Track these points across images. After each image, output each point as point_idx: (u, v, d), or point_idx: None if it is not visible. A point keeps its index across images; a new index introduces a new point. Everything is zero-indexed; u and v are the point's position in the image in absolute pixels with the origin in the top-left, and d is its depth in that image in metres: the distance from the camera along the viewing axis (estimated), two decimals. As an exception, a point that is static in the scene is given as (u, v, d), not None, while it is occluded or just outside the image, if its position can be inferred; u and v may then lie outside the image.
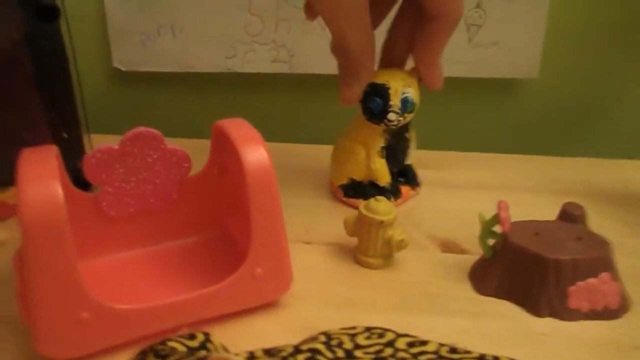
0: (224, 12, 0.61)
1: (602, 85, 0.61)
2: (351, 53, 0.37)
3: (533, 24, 0.58)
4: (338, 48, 0.38)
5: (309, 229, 0.42)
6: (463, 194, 0.48)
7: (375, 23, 0.40)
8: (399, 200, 0.45)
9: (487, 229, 0.35)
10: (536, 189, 0.50)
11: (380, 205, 0.36)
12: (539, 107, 0.62)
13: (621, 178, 0.52)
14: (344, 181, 0.46)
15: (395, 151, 0.44)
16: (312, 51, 0.61)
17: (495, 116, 0.63)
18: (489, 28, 0.58)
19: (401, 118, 0.41)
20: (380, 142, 0.43)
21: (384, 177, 0.44)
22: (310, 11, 0.41)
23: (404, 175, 0.47)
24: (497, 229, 0.35)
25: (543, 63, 0.59)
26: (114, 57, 0.63)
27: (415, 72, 0.41)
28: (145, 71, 0.64)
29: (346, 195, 0.46)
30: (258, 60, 0.62)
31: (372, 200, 0.36)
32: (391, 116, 0.41)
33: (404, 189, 0.46)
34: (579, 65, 0.60)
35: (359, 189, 0.45)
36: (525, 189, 0.50)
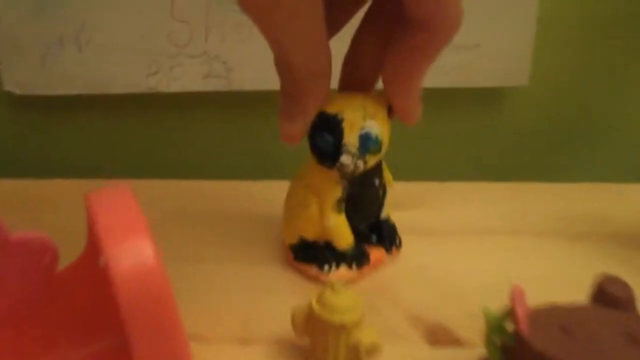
0: (142, 17, 0.49)
1: (606, 91, 0.51)
2: (295, 74, 0.26)
3: (521, 21, 0.47)
4: (278, 65, 0.27)
5: (248, 318, 0.31)
6: (451, 243, 0.38)
7: (332, 30, 0.29)
8: (366, 269, 0.34)
9: (494, 327, 0.24)
10: (542, 229, 0.39)
11: (340, 300, 0.25)
12: (531, 120, 0.52)
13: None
14: (294, 240, 0.35)
15: (361, 202, 0.33)
16: (254, 63, 0.49)
17: (479, 133, 0.53)
18: (469, 27, 0.47)
19: (359, 162, 0.29)
20: (336, 192, 0.32)
21: (342, 239, 0.33)
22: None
23: (377, 233, 0.35)
24: (508, 323, 0.24)
25: (534, 68, 0.48)
26: (4, 78, 0.51)
27: (383, 99, 0.30)
28: (45, 95, 0.51)
29: (296, 259, 0.35)
30: (187, 77, 0.50)
31: (327, 290, 0.25)
32: (344, 159, 0.29)
33: (375, 253, 0.34)
34: (578, 68, 0.50)
35: (311, 252, 0.34)
36: (528, 231, 0.39)
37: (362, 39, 0.29)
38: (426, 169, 0.53)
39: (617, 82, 0.50)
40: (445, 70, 0.49)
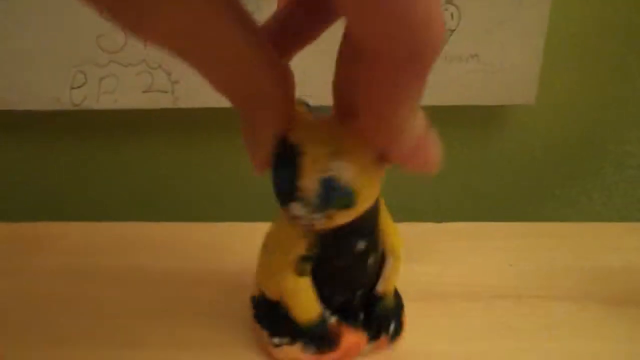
0: (64, 16, 0.39)
1: (621, 112, 0.43)
2: (230, 98, 0.19)
3: (528, 30, 0.39)
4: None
5: None
6: (454, 313, 0.29)
7: (291, 48, 0.21)
8: (330, 356, 0.25)
9: None
10: (569, 292, 0.31)
11: None
12: (536, 145, 0.44)
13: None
14: (256, 292, 0.28)
15: (337, 269, 0.24)
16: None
17: (478, 157, 0.45)
18: (466, 34, 0.39)
19: (318, 216, 0.20)
20: (299, 249, 0.24)
21: (302, 310, 0.25)
22: None
23: (366, 312, 0.26)
24: None
25: (541, 84, 0.41)
26: None
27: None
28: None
29: (255, 314, 0.28)
30: (122, 90, 0.40)
31: None
32: (294, 208, 0.20)
33: (351, 338, 0.26)
34: (591, 87, 0.43)
35: (269, 314, 0.27)
36: (551, 294, 0.31)
37: (346, 53, 0.20)
38: (411, 203, 0.45)
39: (632, 103, 0.43)
40: (438, 85, 0.40)
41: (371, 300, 0.26)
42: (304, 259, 0.24)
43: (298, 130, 0.20)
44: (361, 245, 0.24)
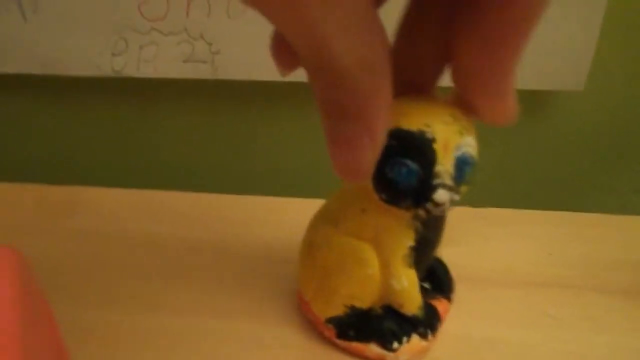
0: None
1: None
2: (346, 74, 0.16)
3: (584, 18, 0.38)
4: (313, 65, 0.17)
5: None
6: (507, 299, 0.29)
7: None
8: (437, 333, 0.25)
9: None
10: (619, 285, 0.30)
11: None
12: (583, 133, 0.43)
13: None
14: (338, 311, 0.25)
15: (431, 247, 0.24)
16: (246, 45, 0.39)
17: (521, 146, 0.44)
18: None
19: (457, 196, 0.20)
20: (408, 240, 0.23)
21: (414, 300, 0.24)
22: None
23: (430, 278, 0.27)
24: None
25: (592, 71, 0.39)
26: None
27: (464, 104, 0.20)
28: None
29: (342, 336, 0.25)
30: (162, 59, 0.40)
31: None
32: (440, 195, 0.20)
33: (440, 306, 0.26)
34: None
35: (367, 325, 0.25)
36: (599, 286, 0.30)
37: (413, 27, 0.20)
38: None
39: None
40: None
41: (431, 267, 0.26)
42: (413, 248, 0.23)
43: (408, 116, 0.19)
44: (443, 219, 0.24)
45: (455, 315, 0.27)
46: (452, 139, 0.19)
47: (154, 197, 0.38)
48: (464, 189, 0.20)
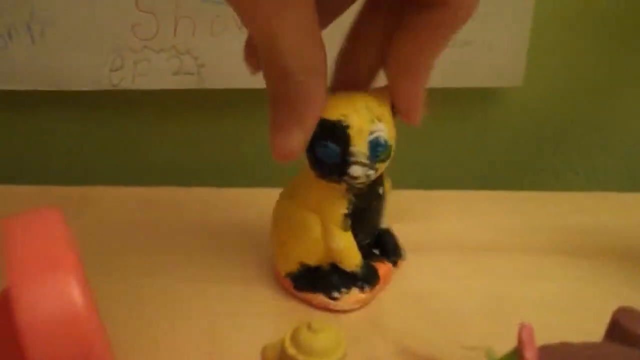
0: (104, 6, 0.44)
1: (605, 93, 0.48)
2: (288, 73, 0.21)
3: (515, 17, 0.44)
4: (267, 64, 0.21)
5: (216, 347, 0.27)
6: (445, 262, 0.34)
7: (324, 21, 0.24)
8: (377, 288, 0.30)
9: (499, 373, 0.21)
10: (543, 245, 0.36)
11: (317, 339, 0.21)
12: (525, 124, 0.49)
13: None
14: (293, 267, 0.30)
15: (364, 215, 0.29)
16: (228, 58, 0.45)
17: (470, 135, 0.50)
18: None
19: (371, 172, 0.26)
20: (342, 208, 0.28)
21: (351, 259, 0.29)
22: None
23: (380, 245, 0.32)
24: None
25: (528, 68, 0.45)
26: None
27: (386, 97, 0.26)
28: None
29: (297, 287, 0.31)
30: (154, 73, 0.46)
31: (303, 329, 0.21)
32: (355, 170, 0.25)
33: (382, 268, 0.31)
34: (576, 69, 0.47)
35: (315, 279, 0.30)
36: (528, 247, 0.36)
37: (360, 30, 0.26)
38: (412, 174, 0.49)
39: (616, 83, 0.47)
40: (434, 68, 0.45)
41: (379, 236, 0.32)
42: (346, 215, 0.28)
43: (332, 108, 0.25)
44: (380, 190, 0.29)
45: (402, 276, 0.32)
46: (365, 126, 0.25)
47: (147, 192, 0.43)
48: (380, 165, 0.26)
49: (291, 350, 0.21)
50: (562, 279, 0.33)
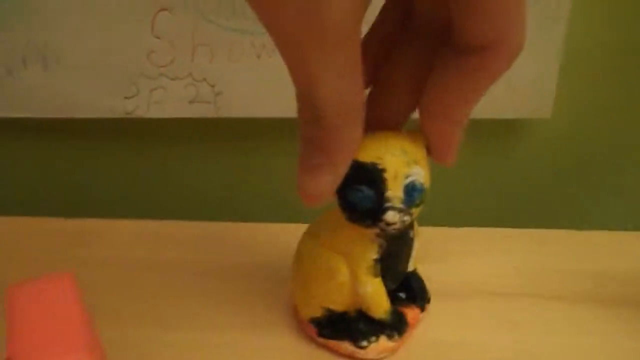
0: (119, 33, 0.43)
1: (637, 128, 0.46)
2: (323, 113, 0.19)
3: (544, 45, 0.42)
4: (302, 102, 0.20)
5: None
6: (468, 309, 0.33)
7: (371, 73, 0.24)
8: (405, 335, 0.29)
9: None
10: (573, 292, 0.34)
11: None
12: (553, 157, 0.47)
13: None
14: (317, 313, 0.29)
15: (394, 260, 0.28)
16: (246, 86, 0.44)
17: (495, 169, 0.48)
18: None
19: (407, 217, 0.24)
20: (372, 253, 0.27)
21: (379, 306, 0.28)
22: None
23: (406, 289, 0.31)
24: None
25: (558, 98, 0.43)
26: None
27: (421, 138, 0.25)
28: (4, 117, 0.45)
29: (322, 334, 0.29)
30: (170, 101, 0.45)
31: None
32: (390, 216, 0.24)
33: (410, 314, 0.30)
34: (607, 102, 0.45)
35: (341, 325, 0.29)
36: (555, 294, 0.34)
37: (393, 69, 0.24)
38: (434, 211, 0.48)
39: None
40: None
41: (406, 279, 0.30)
42: (377, 261, 0.27)
43: (365, 150, 0.24)
44: (411, 233, 0.28)
45: (428, 323, 0.31)
46: (400, 170, 0.24)
47: (162, 226, 0.42)
48: (415, 210, 0.25)
49: None
50: (597, 330, 0.31)
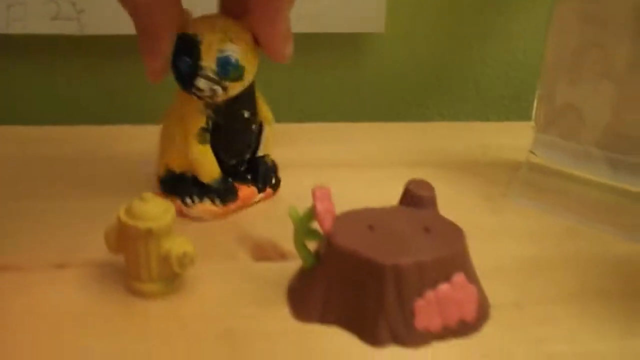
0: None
1: (460, 40, 0.53)
2: (137, 11, 0.27)
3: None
4: (123, 3, 0.27)
5: (73, 244, 0.29)
6: (293, 175, 0.37)
7: None
8: (233, 205, 0.33)
9: (303, 229, 0.25)
10: (382, 162, 0.41)
11: (147, 207, 0.24)
12: (387, 67, 0.54)
13: (479, 143, 0.45)
14: (162, 171, 0.33)
15: (229, 135, 0.32)
16: (109, 3, 0.46)
17: (337, 79, 0.54)
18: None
19: (216, 87, 0.28)
20: (199, 121, 0.31)
21: (206, 171, 0.32)
22: None
23: (252, 171, 0.34)
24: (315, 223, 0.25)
25: (389, 15, 0.50)
26: None
27: (249, 25, 0.29)
28: None
29: (163, 189, 0.33)
30: (31, 18, 0.47)
31: (135, 200, 0.25)
32: (200, 82, 0.28)
33: (245, 191, 0.33)
34: (434, 16, 0.52)
35: (177, 184, 0.33)
36: (369, 163, 0.41)
37: None
38: (297, 112, 0.53)
39: (478, 30, 0.53)
40: (300, 16, 0.48)
41: (255, 163, 0.34)
42: (204, 129, 0.31)
43: (193, 26, 0.29)
44: (246, 114, 0.32)
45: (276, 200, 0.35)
46: (215, 44, 0.28)
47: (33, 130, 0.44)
48: (229, 84, 0.29)
49: (125, 219, 0.24)
50: (392, 182, 0.37)
